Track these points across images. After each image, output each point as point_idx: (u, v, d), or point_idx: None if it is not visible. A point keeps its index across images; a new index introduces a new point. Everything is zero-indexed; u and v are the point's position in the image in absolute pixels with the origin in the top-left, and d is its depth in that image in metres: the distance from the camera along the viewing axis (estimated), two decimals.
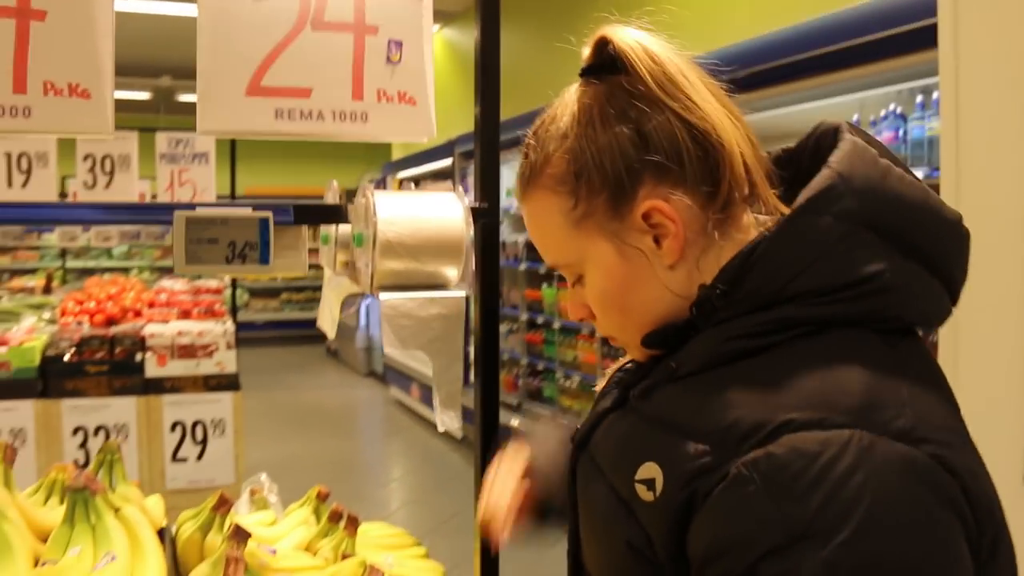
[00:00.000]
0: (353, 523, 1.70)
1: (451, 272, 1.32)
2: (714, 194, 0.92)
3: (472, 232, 1.30)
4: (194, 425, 4.66)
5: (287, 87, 1.34)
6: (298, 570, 1.49)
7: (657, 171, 0.90)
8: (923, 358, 0.89)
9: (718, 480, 0.80)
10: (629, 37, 0.94)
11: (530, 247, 6.67)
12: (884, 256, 0.86)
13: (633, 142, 0.91)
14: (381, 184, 10.79)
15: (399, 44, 1.38)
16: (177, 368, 4.66)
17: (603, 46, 0.96)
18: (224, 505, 1.53)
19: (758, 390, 0.83)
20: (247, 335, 13.60)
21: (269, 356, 12.61)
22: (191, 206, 1.32)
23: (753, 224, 0.94)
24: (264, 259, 1.35)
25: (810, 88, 3.75)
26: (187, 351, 4.70)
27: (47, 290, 7.16)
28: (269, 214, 1.35)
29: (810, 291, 0.85)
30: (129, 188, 5.56)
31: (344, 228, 1.49)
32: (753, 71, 3.76)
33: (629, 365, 1.07)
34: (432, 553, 1.78)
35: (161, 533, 1.55)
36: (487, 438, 1.50)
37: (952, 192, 1.88)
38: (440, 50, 10.17)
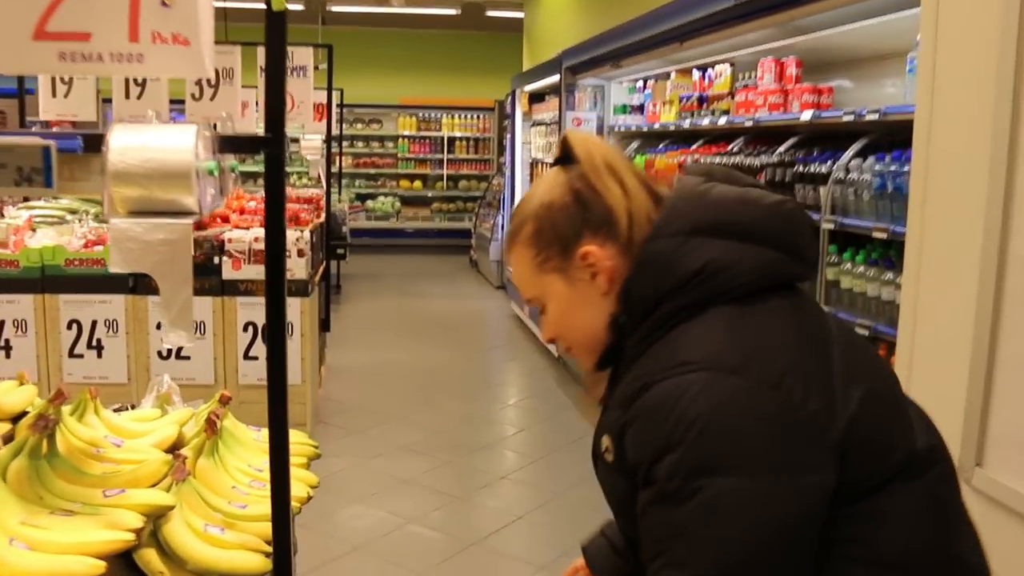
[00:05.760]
0: (212, 427, 1.90)
1: (188, 200, 1.44)
2: (625, 245, 1.27)
3: (207, 162, 1.43)
4: (264, 326, 5.00)
5: (69, 32, 1.48)
6: (116, 460, 1.70)
7: (591, 227, 1.27)
8: (779, 314, 1.20)
9: (629, 427, 1.17)
10: (578, 137, 1.32)
11: None
12: (713, 248, 1.19)
13: (576, 209, 1.28)
14: (511, 96, 10.89)
15: None
16: (251, 272, 5.01)
17: (565, 144, 1.33)
18: (59, 397, 1.74)
19: (646, 363, 1.19)
20: (397, 242, 14.25)
21: (415, 263, 13.07)
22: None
23: None
24: (48, 183, 1.52)
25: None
26: (262, 256, 5.02)
27: None
28: (52, 143, 1.51)
29: (670, 289, 1.20)
30: (232, 99, 6.00)
31: None
32: None
33: None
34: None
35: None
36: (277, 349, 1.63)
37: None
38: None
